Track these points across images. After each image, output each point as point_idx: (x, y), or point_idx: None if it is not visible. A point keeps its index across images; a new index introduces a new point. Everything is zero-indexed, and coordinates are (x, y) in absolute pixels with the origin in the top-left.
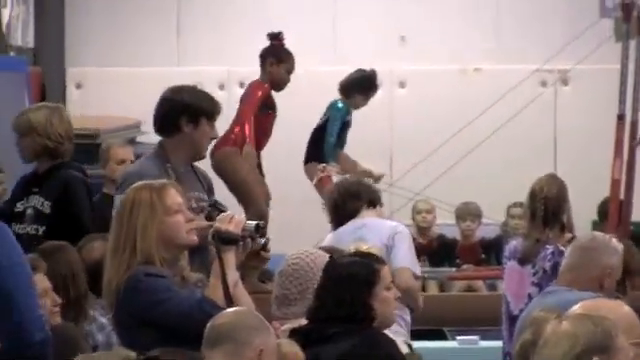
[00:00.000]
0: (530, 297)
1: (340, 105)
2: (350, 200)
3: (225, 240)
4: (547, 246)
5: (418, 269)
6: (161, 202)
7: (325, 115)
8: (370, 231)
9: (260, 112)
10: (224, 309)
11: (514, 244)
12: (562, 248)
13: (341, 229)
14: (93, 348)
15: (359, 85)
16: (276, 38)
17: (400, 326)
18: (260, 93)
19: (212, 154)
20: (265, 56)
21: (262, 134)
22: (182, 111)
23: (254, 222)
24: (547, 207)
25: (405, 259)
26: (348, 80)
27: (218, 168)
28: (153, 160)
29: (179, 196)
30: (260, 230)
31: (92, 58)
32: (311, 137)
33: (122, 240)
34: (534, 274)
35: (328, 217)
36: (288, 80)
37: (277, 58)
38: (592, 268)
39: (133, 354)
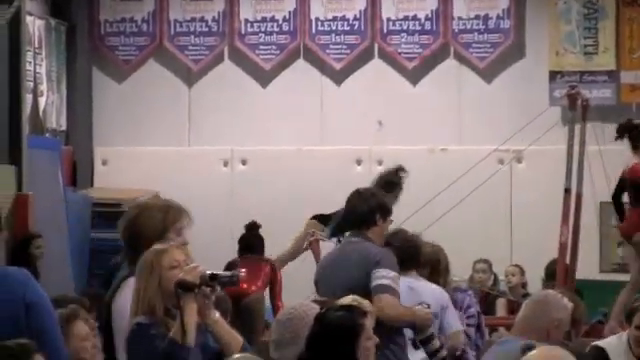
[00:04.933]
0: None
1: None
2: None
3: (183, 287)
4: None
5: None
6: (159, 261)
7: None
8: None
9: None
10: (189, 349)
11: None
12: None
13: None
14: None
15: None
16: None
17: None
18: None
19: None
20: None
21: None
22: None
23: (209, 272)
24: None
25: None
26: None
27: None
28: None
29: (180, 255)
30: (219, 278)
31: (116, 139)
32: None
33: (134, 294)
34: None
35: None
36: None
37: None
38: (541, 321)
39: None
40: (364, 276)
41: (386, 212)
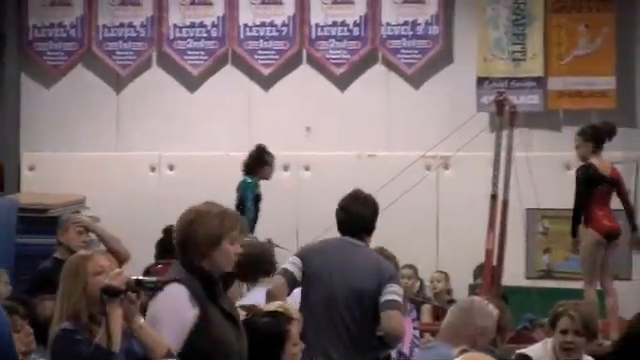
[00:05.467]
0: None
1: (249, 180)
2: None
3: (109, 293)
4: None
5: None
6: (84, 267)
7: (238, 193)
8: None
9: None
10: (115, 354)
11: None
12: None
13: None
14: None
15: (260, 159)
16: None
17: None
18: None
19: None
20: None
21: None
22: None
23: (135, 277)
24: None
25: None
26: (250, 159)
27: None
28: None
29: (105, 261)
30: (144, 284)
31: (44, 144)
32: None
33: (58, 300)
34: None
35: None
36: None
37: None
38: (467, 328)
39: None
40: (376, 287)
41: (377, 217)
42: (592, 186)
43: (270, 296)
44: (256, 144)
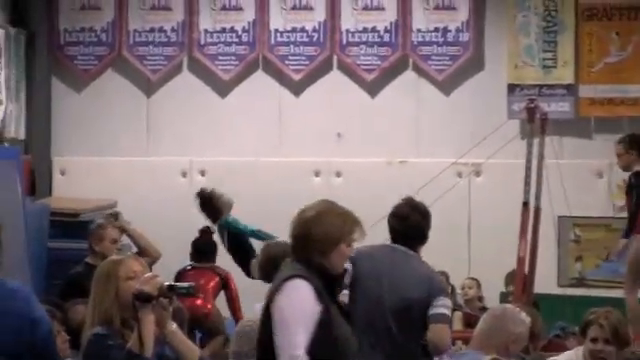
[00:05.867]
0: None
1: (226, 221)
2: None
3: (141, 298)
4: None
5: None
6: (115, 272)
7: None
8: None
9: None
10: (146, 359)
11: None
12: None
13: None
14: None
15: (212, 205)
16: None
17: None
18: None
19: None
20: None
21: None
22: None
23: (167, 283)
24: None
25: None
26: (207, 213)
27: None
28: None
29: (138, 265)
30: (176, 289)
31: (75, 149)
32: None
33: (90, 305)
34: None
35: None
36: None
37: None
38: (499, 335)
39: None
40: (425, 297)
41: (430, 227)
42: None
43: None
44: (195, 198)
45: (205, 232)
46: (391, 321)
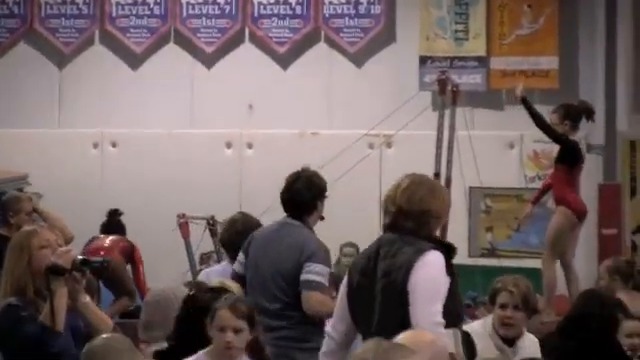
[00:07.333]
0: None
1: None
2: None
3: (54, 271)
4: None
5: None
6: (28, 242)
7: None
8: None
9: None
10: (59, 333)
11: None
12: None
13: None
14: None
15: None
16: None
17: None
18: None
19: None
20: None
21: None
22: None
23: (81, 257)
24: None
25: None
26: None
27: None
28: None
29: (51, 234)
30: (90, 264)
31: None
32: None
33: (3, 275)
34: None
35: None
36: None
37: None
38: None
39: None
40: (296, 265)
41: (324, 196)
42: (577, 163)
43: None
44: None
45: (113, 213)
46: (277, 293)
